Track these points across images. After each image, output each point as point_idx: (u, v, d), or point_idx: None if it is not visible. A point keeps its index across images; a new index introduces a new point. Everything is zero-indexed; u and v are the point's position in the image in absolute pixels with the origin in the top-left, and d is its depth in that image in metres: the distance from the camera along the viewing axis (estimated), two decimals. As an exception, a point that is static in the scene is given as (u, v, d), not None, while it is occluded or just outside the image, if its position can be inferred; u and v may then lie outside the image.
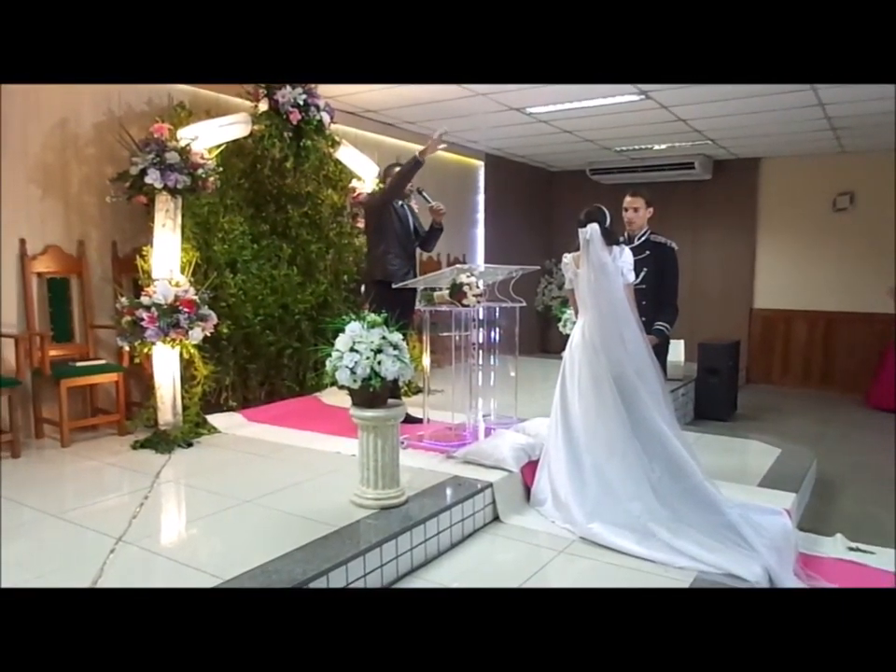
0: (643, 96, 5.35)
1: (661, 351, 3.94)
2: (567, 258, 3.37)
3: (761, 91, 5.09)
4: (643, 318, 3.50)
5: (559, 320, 5.96)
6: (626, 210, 4.20)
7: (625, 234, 4.13)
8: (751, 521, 2.95)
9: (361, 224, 5.47)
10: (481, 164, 8.15)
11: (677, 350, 6.12)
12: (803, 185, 7.91)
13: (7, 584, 2.24)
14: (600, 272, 3.18)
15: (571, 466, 3.21)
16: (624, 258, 3.26)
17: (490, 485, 3.22)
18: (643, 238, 4.17)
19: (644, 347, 3.18)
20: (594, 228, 3.19)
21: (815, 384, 7.96)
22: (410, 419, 3.68)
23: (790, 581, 2.70)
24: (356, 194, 5.41)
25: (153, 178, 3.88)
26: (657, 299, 4.06)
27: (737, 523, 2.88)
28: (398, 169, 4.35)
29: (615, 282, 3.20)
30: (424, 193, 4.39)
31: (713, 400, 6.34)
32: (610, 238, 3.25)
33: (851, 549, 3.25)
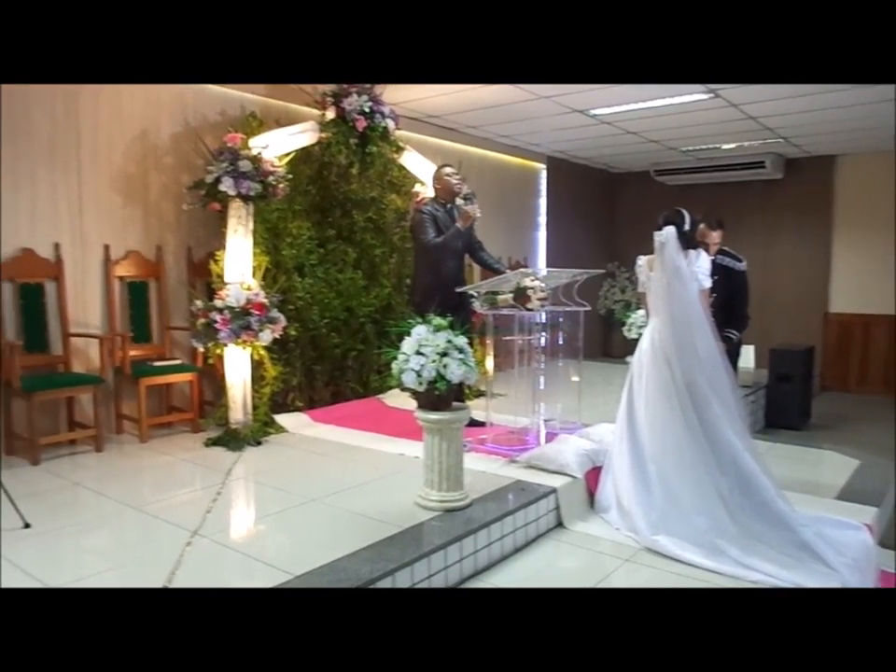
0: (712, 94, 5.22)
1: (732, 356, 3.84)
2: (642, 260, 3.33)
3: (838, 85, 4.89)
4: None
5: (623, 324, 5.86)
6: (705, 244, 3.95)
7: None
8: (829, 538, 2.84)
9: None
10: (542, 167, 8.11)
11: (747, 356, 5.94)
12: (881, 182, 7.54)
13: (87, 573, 2.37)
14: (674, 276, 3.12)
15: (636, 474, 3.17)
16: (700, 262, 3.19)
17: (554, 490, 3.21)
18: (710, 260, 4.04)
19: (717, 355, 3.10)
20: (670, 231, 3.13)
21: (895, 391, 7.60)
22: (472, 422, 3.69)
23: (869, 597, 2.59)
24: (419, 199, 5.47)
25: (227, 186, 4.02)
26: (725, 314, 3.95)
27: (812, 541, 2.78)
28: (446, 236, 4.16)
29: (689, 287, 3.12)
30: (472, 197, 4.30)
31: (785, 408, 6.12)
32: (688, 242, 3.18)
33: (936, 566, 3.08)
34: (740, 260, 4.11)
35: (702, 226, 3.96)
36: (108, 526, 2.85)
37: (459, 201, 4.33)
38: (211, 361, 4.25)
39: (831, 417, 6.60)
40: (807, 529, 2.84)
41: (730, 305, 4.00)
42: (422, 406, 2.93)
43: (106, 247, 4.21)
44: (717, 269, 3.97)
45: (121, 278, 4.30)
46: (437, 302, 3.92)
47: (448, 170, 4.39)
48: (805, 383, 6.31)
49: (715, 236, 4.00)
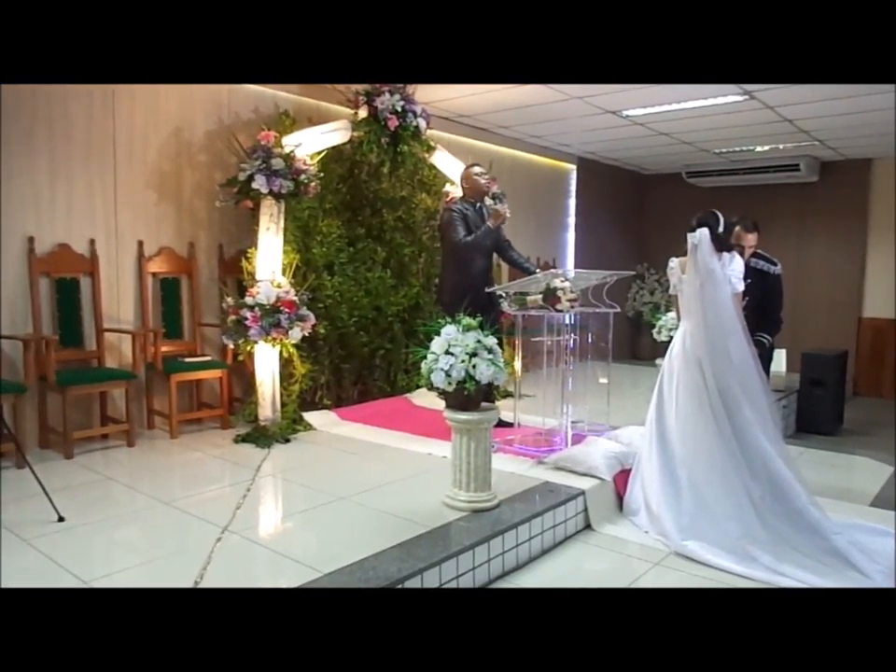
0: (747, 96, 5.15)
1: (764, 362, 3.77)
2: (674, 262, 3.28)
3: (873, 87, 4.79)
4: None
5: (652, 326, 5.81)
6: (741, 247, 3.85)
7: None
8: (862, 546, 2.79)
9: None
10: (573, 168, 8.07)
11: (779, 360, 5.85)
12: (920, 187, 7.40)
13: (119, 567, 2.40)
14: (707, 278, 3.07)
15: (665, 478, 3.13)
16: (734, 265, 3.13)
17: (582, 493, 3.18)
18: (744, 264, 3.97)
19: (751, 359, 3.05)
20: (703, 233, 3.09)
21: (931, 399, 7.43)
22: (500, 423, 3.68)
23: (906, 608, 2.53)
24: (449, 198, 5.46)
25: (259, 184, 4.06)
26: (760, 315, 3.87)
27: (845, 549, 2.73)
28: (477, 235, 4.14)
29: (722, 290, 3.08)
30: (501, 197, 4.25)
31: (817, 413, 6.02)
32: (722, 244, 3.13)
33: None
34: (775, 264, 4.04)
35: (737, 228, 3.88)
36: (140, 521, 2.89)
37: (488, 200, 4.31)
38: (241, 358, 4.29)
39: (863, 423, 6.47)
40: (840, 537, 2.79)
41: (763, 309, 3.93)
42: (450, 406, 2.93)
43: (140, 243, 4.27)
44: (751, 272, 3.90)
45: (154, 274, 4.36)
46: (466, 302, 3.90)
47: (477, 169, 4.37)
48: (838, 388, 6.20)
49: (751, 238, 3.93)
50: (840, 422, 6.24)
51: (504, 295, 4.15)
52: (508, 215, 4.25)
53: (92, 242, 4.05)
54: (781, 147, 7.05)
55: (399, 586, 2.27)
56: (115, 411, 4.12)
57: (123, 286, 4.23)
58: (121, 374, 4.00)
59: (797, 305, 7.30)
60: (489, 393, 3.72)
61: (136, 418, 4.10)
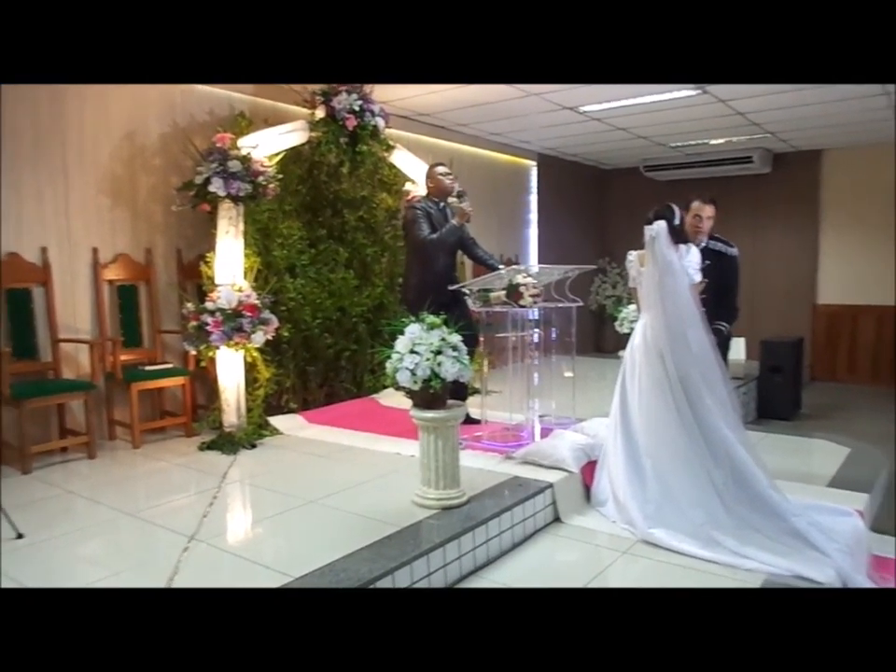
0: (700, 91, 5.25)
1: (722, 350, 3.84)
2: (632, 255, 3.32)
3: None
4: None
5: (615, 319, 5.89)
6: (697, 218, 3.87)
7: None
8: (821, 526, 2.86)
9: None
10: (533, 164, 8.13)
11: (738, 348, 5.98)
12: (867, 176, 7.62)
13: (84, 583, 2.34)
14: (665, 270, 3.12)
15: (631, 468, 3.18)
16: (690, 257, 3.20)
17: (550, 486, 3.21)
18: (702, 246, 3.98)
19: (710, 349, 3.10)
20: (660, 225, 3.13)
21: (883, 380, 7.66)
22: (468, 420, 3.69)
23: (863, 583, 2.61)
24: (410, 197, 5.46)
25: (217, 187, 4.00)
26: (717, 304, 3.93)
27: (805, 530, 2.80)
28: (441, 232, 4.14)
29: (680, 281, 3.13)
30: (464, 197, 4.26)
31: (776, 399, 6.19)
32: (678, 237, 3.18)
33: (928, 552, 3.12)
34: (732, 246, 4.08)
35: (696, 203, 3.90)
36: (103, 534, 2.83)
37: (452, 199, 4.31)
38: (203, 364, 4.23)
39: (820, 407, 6.67)
40: (800, 519, 2.87)
41: (720, 296, 3.97)
42: (417, 405, 2.93)
43: (95, 251, 4.18)
44: (710, 254, 3.93)
45: (111, 282, 4.26)
46: (430, 300, 3.90)
47: (441, 169, 4.37)
48: (796, 373, 6.38)
49: (708, 209, 3.94)
50: (798, 407, 6.42)
51: (468, 292, 4.16)
52: (471, 212, 4.26)
53: (44, 250, 3.95)
54: (735, 139, 7.21)
55: (371, 586, 2.27)
56: (74, 423, 4.02)
57: (79, 294, 4.13)
58: (79, 385, 3.91)
59: (754, 294, 7.46)
60: (464, 391, 3.74)
61: (96, 429, 4.01)
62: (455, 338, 2.91)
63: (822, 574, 2.54)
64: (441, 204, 4.34)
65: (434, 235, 4.14)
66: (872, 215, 7.63)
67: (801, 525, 2.82)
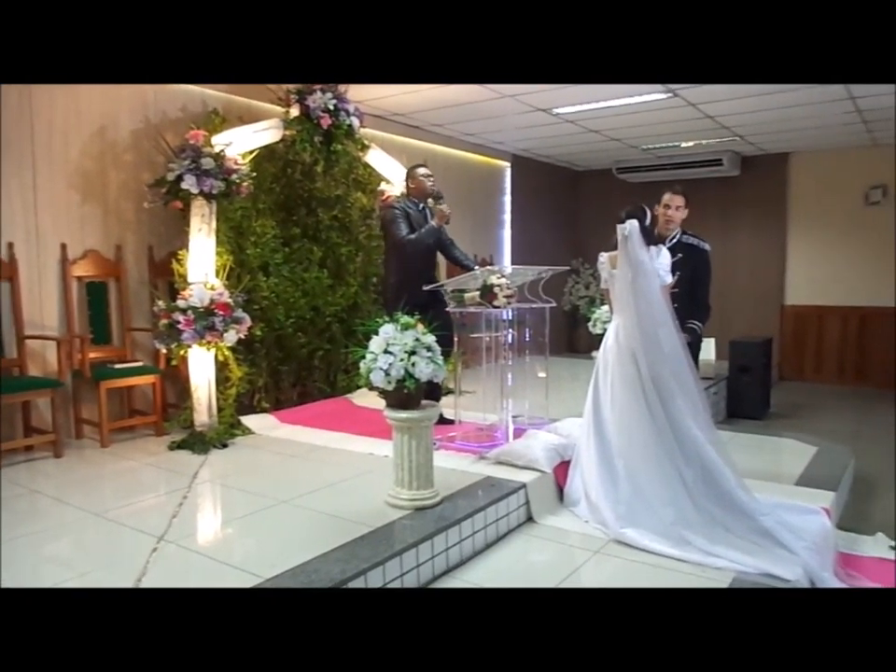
0: (670, 94, 5.31)
1: (694, 350, 3.88)
2: (603, 256, 3.33)
3: (789, 85, 5.02)
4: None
5: (588, 320, 5.93)
6: (667, 208, 3.98)
7: (655, 234, 4.04)
8: (788, 524, 2.91)
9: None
10: (507, 165, 8.16)
11: (708, 348, 6.05)
12: (834, 179, 7.78)
13: (50, 584, 2.30)
14: (637, 270, 3.12)
15: (603, 468, 3.20)
16: (661, 259, 3.22)
17: (523, 486, 3.23)
18: (675, 239, 4.05)
19: (681, 349, 3.13)
20: (633, 224, 3.13)
21: (849, 380, 7.84)
22: (441, 420, 3.70)
23: (830, 580, 2.67)
24: (384, 197, 5.45)
25: (189, 184, 3.95)
26: (689, 300, 3.98)
27: (773, 528, 2.84)
28: (420, 233, 4.18)
29: (652, 281, 3.14)
30: (442, 199, 4.29)
31: (746, 399, 6.29)
32: (649, 238, 3.20)
33: (893, 547, 3.20)
34: (705, 241, 4.13)
35: (666, 194, 4.00)
36: (69, 535, 2.78)
37: (430, 201, 4.34)
38: (174, 363, 4.17)
39: (789, 406, 6.79)
40: (768, 518, 2.91)
41: (693, 291, 4.02)
42: (391, 405, 2.92)
43: (63, 246, 4.10)
44: (683, 247, 3.98)
45: (79, 278, 4.19)
46: (408, 300, 3.90)
47: (423, 171, 4.38)
48: (764, 373, 6.48)
49: (678, 199, 4.00)
50: (767, 406, 6.52)
51: (444, 292, 4.16)
52: (450, 213, 4.28)
53: (11, 245, 3.86)
54: (705, 142, 7.31)
55: (343, 587, 2.26)
56: (40, 421, 3.95)
57: (46, 291, 4.05)
58: (45, 382, 3.83)
59: (724, 295, 7.57)
60: (438, 391, 3.74)
61: (63, 428, 3.95)
62: (430, 338, 2.91)
63: (790, 572, 2.58)
64: (421, 206, 4.36)
65: (413, 235, 4.16)
66: (836, 217, 7.80)
67: (769, 524, 2.87)
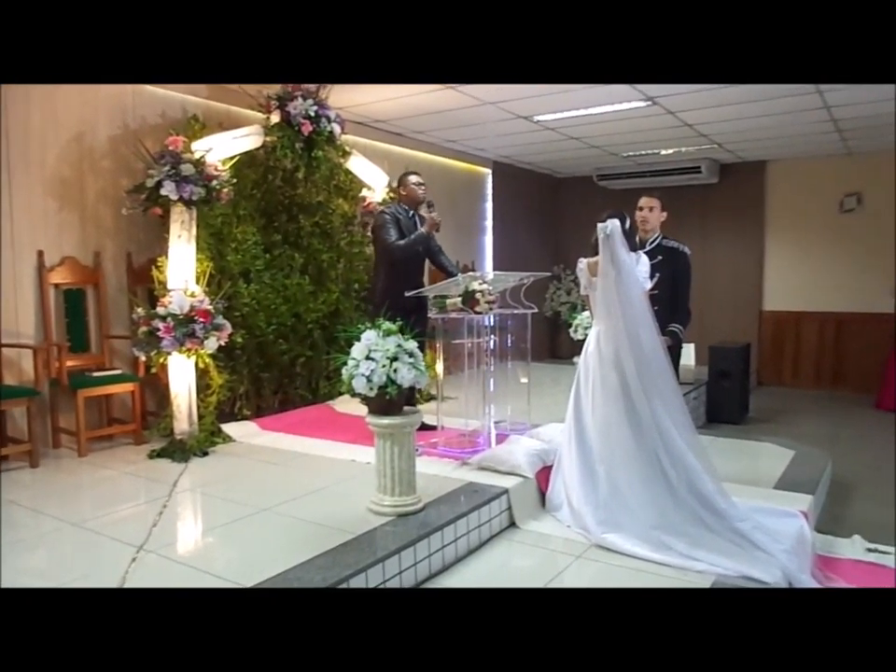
0: (650, 102, 5.37)
1: (674, 354, 3.92)
2: (582, 262, 3.33)
3: (766, 94, 5.11)
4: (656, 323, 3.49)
5: (570, 325, 5.96)
6: (641, 209, 4.10)
7: (637, 238, 4.08)
8: (766, 528, 2.94)
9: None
10: (488, 172, 8.19)
11: (688, 354, 6.12)
12: (810, 187, 7.91)
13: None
14: (620, 268, 3.12)
15: (584, 474, 3.21)
16: (640, 265, 3.24)
17: (506, 491, 3.23)
18: (655, 242, 4.11)
19: (661, 353, 3.14)
20: (614, 223, 3.14)
21: (826, 385, 7.94)
22: (423, 426, 3.69)
23: (808, 582, 2.70)
24: (366, 203, 5.46)
25: (169, 190, 3.93)
26: (670, 303, 4.03)
27: (751, 534, 2.87)
28: (410, 239, 4.18)
29: (633, 281, 3.15)
30: (432, 207, 4.31)
31: (725, 403, 6.35)
32: (629, 244, 3.21)
33: (869, 550, 3.23)
34: (685, 245, 4.20)
35: (643, 198, 4.12)
36: (46, 545, 2.74)
37: (422, 209, 4.36)
38: (154, 370, 4.14)
39: (767, 411, 6.87)
40: (746, 523, 2.93)
41: (674, 292, 4.07)
42: (373, 411, 2.91)
43: (40, 253, 4.05)
44: (663, 250, 4.06)
45: (57, 285, 4.14)
46: (396, 306, 3.86)
47: (415, 178, 4.39)
48: (743, 378, 6.55)
49: (654, 201, 4.09)
50: (746, 411, 6.59)
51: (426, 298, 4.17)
52: (440, 221, 4.29)
53: (-14, 252, 3.82)
54: (684, 150, 7.40)
55: (326, 588, 2.24)
56: (16, 430, 3.88)
57: (22, 298, 3.99)
58: (21, 391, 3.78)
59: (703, 301, 7.65)
60: (410, 396, 3.73)
61: (40, 437, 3.89)
62: (412, 344, 2.91)
63: (769, 574, 2.61)
64: (412, 213, 4.38)
65: (401, 242, 4.18)
66: (813, 224, 7.92)
67: (746, 529, 2.89)
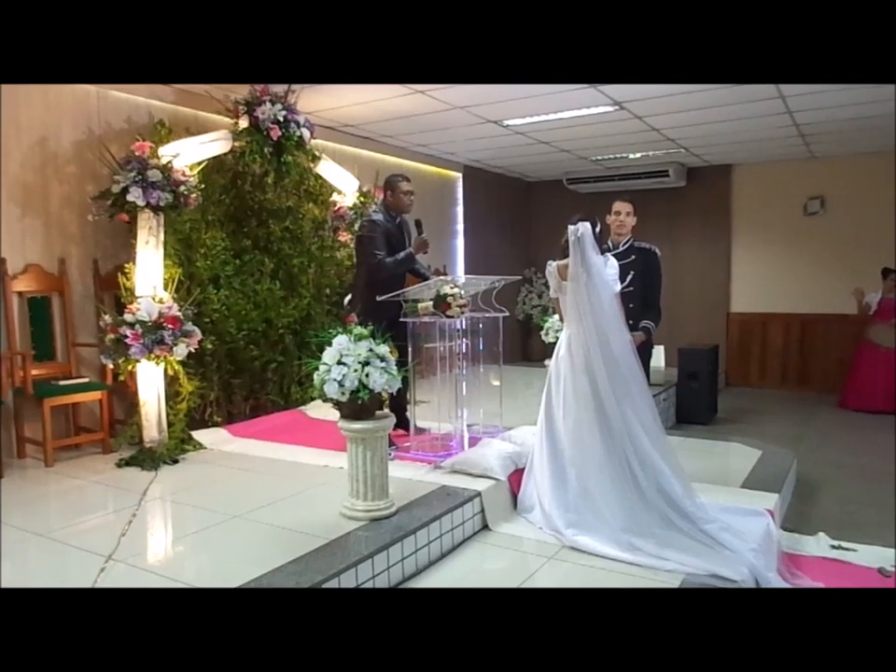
0: (617, 107, 5.44)
1: (645, 354, 3.98)
2: (552, 265, 3.34)
3: (730, 99, 5.21)
4: (629, 321, 3.54)
5: (541, 328, 6.00)
6: (618, 214, 4.15)
7: (609, 242, 4.15)
8: (734, 529, 2.99)
9: (342, 238, 5.49)
10: (459, 176, 8.23)
11: (657, 356, 6.20)
12: (774, 190, 8.08)
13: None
14: (591, 270, 3.14)
15: (555, 477, 3.24)
16: (609, 268, 3.26)
17: (478, 494, 3.25)
18: (628, 244, 4.19)
19: (632, 356, 3.17)
20: (585, 226, 3.15)
21: (792, 385, 8.11)
22: (418, 430, 3.69)
23: (774, 580, 2.76)
24: (336, 208, 5.44)
25: (135, 196, 3.88)
26: (643, 301, 4.11)
27: (718, 534, 2.92)
28: (397, 259, 4.05)
29: (604, 285, 3.18)
30: (421, 227, 4.22)
31: (694, 405, 6.44)
32: (599, 246, 3.25)
33: (834, 547, 3.32)
34: (655, 246, 4.28)
35: (616, 203, 4.21)
36: (10, 556, 2.68)
37: (413, 230, 4.24)
38: (122, 378, 4.08)
39: (735, 411, 6.99)
40: (713, 524, 2.98)
41: (647, 291, 4.15)
42: (345, 416, 2.91)
43: (3, 261, 3.97)
44: (635, 251, 4.16)
45: (21, 293, 4.07)
46: (378, 316, 3.78)
47: (406, 186, 4.18)
48: (712, 380, 6.66)
49: (627, 206, 4.17)
50: (714, 411, 6.70)
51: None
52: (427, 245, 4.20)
53: (-53, 260, 3.74)
54: (651, 154, 7.51)
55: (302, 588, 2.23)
56: (-20, 441, 3.81)
57: (-15, 306, 3.92)
58: (-14, 402, 3.71)
59: (672, 303, 7.71)
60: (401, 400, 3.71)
61: (4, 447, 3.81)
62: (383, 348, 2.92)
63: (737, 573, 2.65)
64: (398, 219, 4.23)
65: (389, 260, 4.00)
66: (778, 227, 8.09)
67: (713, 529, 2.94)
